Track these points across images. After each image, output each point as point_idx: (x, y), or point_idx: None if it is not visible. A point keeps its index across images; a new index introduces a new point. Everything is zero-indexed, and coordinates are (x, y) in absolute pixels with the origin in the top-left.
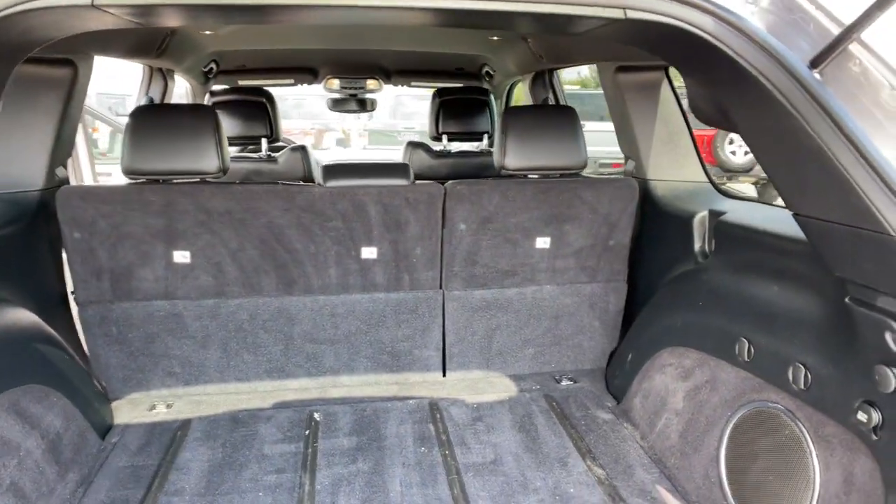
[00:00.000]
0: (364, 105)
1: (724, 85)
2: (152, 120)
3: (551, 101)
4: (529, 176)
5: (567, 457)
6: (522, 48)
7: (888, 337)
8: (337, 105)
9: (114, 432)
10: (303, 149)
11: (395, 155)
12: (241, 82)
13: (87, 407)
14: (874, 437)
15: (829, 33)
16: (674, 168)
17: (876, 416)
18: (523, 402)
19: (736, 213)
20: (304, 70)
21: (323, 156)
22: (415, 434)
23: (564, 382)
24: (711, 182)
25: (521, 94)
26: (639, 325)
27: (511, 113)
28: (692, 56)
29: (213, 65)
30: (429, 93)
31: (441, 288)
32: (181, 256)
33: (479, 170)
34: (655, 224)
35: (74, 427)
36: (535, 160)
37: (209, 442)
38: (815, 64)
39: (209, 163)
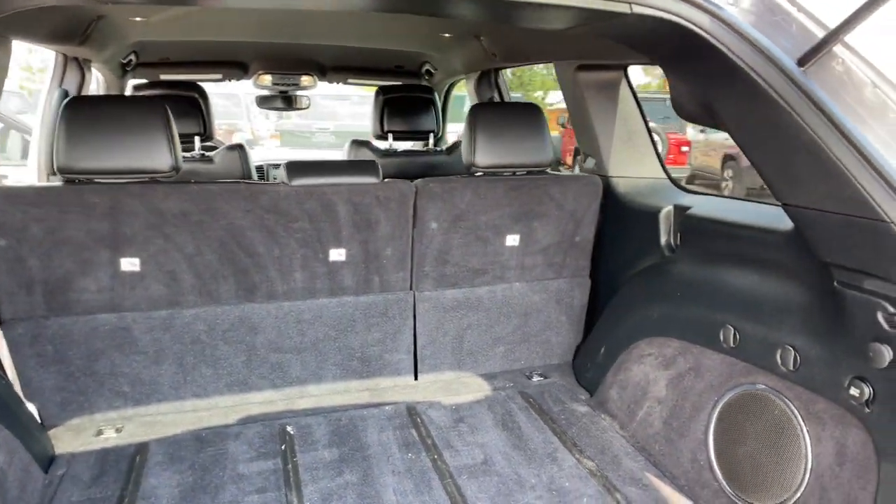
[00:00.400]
0: (295, 102)
1: (715, 82)
2: (93, 113)
3: (497, 100)
4: (501, 173)
5: (555, 451)
6: (473, 46)
7: (880, 316)
8: (266, 102)
9: (58, 464)
10: (240, 147)
11: (313, 156)
12: (163, 76)
13: (26, 437)
14: (867, 411)
15: (811, 34)
16: (633, 165)
17: (867, 391)
18: (500, 401)
19: (702, 207)
20: (233, 64)
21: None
22: (398, 440)
23: (535, 378)
24: (670, 178)
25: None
26: (610, 318)
27: (479, 110)
28: (685, 53)
29: (132, 56)
30: (347, 91)
31: (411, 289)
32: (129, 264)
33: (426, 169)
34: (617, 219)
35: (18, 461)
36: (505, 157)
37: (175, 465)
38: (801, 62)
39: (161, 160)
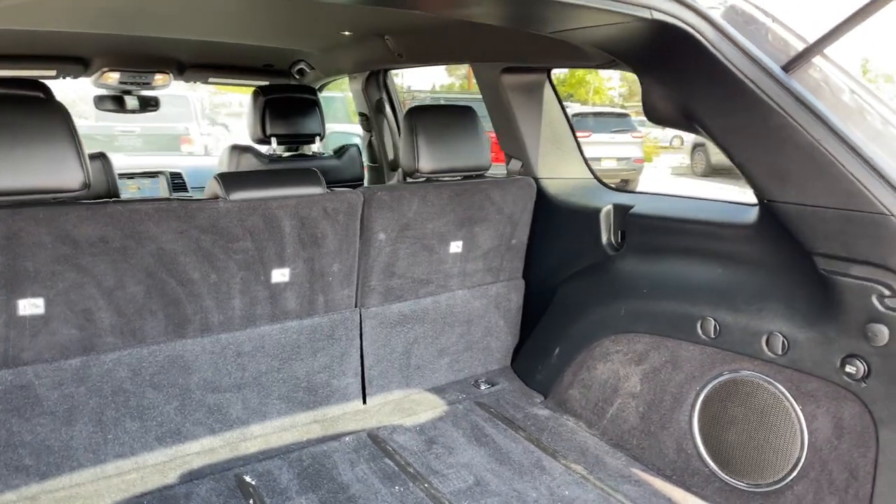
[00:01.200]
0: (146, 104)
1: (701, 86)
2: None
3: (385, 102)
4: (442, 179)
5: (539, 461)
6: (373, 45)
7: (874, 299)
8: (106, 103)
9: None
10: (103, 156)
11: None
12: None
13: None
14: (863, 385)
15: (786, 42)
16: (562, 166)
17: (862, 367)
18: (461, 415)
19: (645, 205)
20: (70, 59)
21: None
22: (377, 474)
23: (483, 386)
24: (598, 179)
25: None
26: (559, 318)
27: (417, 114)
28: (674, 58)
29: None
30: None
31: (357, 306)
32: (30, 306)
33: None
34: (549, 220)
35: None
36: (447, 162)
37: None
38: (786, 68)
39: (69, 176)
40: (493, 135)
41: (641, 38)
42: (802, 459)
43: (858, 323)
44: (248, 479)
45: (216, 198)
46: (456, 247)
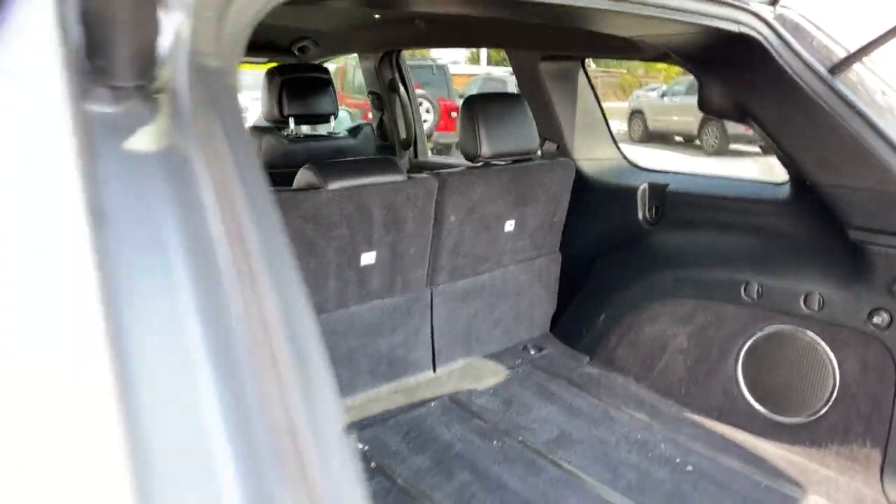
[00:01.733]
0: None
1: (758, 86)
2: None
3: (399, 82)
4: (500, 163)
5: (606, 411)
6: (402, 27)
7: None
8: None
9: None
10: None
11: None
12: None
13: None
14: (886, 333)
15: (828, 49)
16: (595, 148)
17: (886, 317)
18: (525, 377)
19: (680, 184)
20: None
21: None
22: (473, 432)
23: (533, 351)
24: (627, 160)
25: None
26: (604, 287)
27: (476, 102)
28: (738, 62)
29: None
30: None
31: (428, 285)
32: None
33: (336, 153)
34: (585, 198)
35: None
36: (504, 147)
37: None
38: (832, 71)
39: None
40: (443, 102)
41: (714, 44)
42: (835, 395)
43: (885, 282)
44: (361, 446)
45: (315, 188)
46: (510, 226)
